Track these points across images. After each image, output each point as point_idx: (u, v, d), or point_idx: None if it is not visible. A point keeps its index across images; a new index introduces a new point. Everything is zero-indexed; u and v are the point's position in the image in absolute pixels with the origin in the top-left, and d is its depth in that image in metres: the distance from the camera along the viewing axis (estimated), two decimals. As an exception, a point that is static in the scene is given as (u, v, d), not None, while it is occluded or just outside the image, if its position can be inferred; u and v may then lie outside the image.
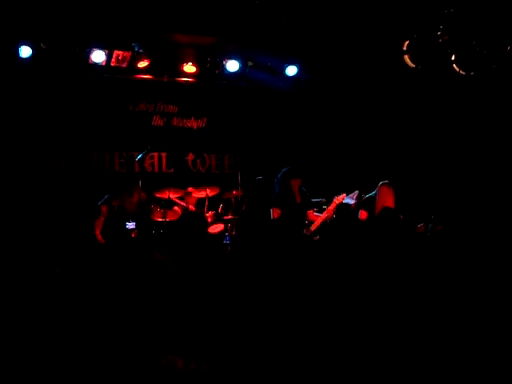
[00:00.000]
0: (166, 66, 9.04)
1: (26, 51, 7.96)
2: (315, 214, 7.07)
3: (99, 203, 7.26)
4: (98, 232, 7.19)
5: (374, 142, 9.49)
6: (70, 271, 6.42)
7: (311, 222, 6.92)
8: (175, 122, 9.39)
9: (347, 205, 6.96)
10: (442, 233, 7.08)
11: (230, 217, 8.26)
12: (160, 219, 7.84)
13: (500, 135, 8.63)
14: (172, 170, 9.33)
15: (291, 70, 9.26)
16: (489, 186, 8.51)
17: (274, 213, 6.83)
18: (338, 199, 6.83)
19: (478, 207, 8.27)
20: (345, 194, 6.82)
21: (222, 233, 8.27)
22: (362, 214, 6.63)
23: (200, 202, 8.45)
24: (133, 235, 7.12)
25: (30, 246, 7.29)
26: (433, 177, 8.97)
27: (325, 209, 7.46)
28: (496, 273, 6.29)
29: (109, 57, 8.43)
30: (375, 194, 6.61)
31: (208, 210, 8.32)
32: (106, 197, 7.32)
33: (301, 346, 4.33)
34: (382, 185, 6.54)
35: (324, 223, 6.90)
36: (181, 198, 8.34)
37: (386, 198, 6.47)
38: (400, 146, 9.33)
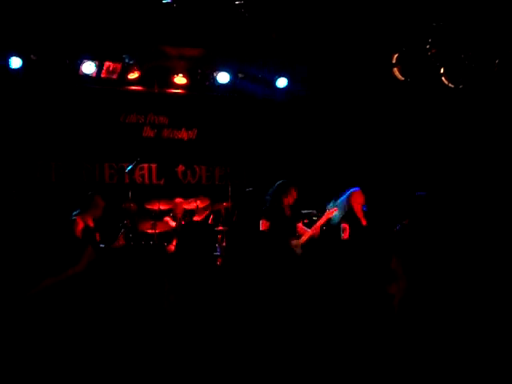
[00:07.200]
0: (157, 77, 9.04)
1: (16, 62, 7.94)
2: (304, 227, 7.09)
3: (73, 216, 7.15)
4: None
5: (365, 152, 9.54)
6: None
7: (301, 235, 6.93)
8: (166, 133, 9.39)
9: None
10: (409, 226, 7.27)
11: (220, 228, 8.25)
12: (150, 231, 7.81)
13: (488, 147, 8.71)
14: (162, 182, 9.31)
15: (282, 82, 9.28)
16: (474, 196, 8.59)
17: (263, 225, 6.85)
18: (329, 212, 6.84)
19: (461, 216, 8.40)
20: (337, 208, 6.84)
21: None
22: (344, 226, 6.84)
23: (189, 213, 8.40)
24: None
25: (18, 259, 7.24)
26: (421, 187, 9.03)
27: (315, 220, 7.50)
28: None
29: (99, 68, 8.41)
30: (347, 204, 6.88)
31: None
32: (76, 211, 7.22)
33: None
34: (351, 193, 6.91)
35: (313, 236, 6.92)
36: (170, 210, 8.31)
37: (359, 202, 6.85)
38: (390, 157, 9.40)
